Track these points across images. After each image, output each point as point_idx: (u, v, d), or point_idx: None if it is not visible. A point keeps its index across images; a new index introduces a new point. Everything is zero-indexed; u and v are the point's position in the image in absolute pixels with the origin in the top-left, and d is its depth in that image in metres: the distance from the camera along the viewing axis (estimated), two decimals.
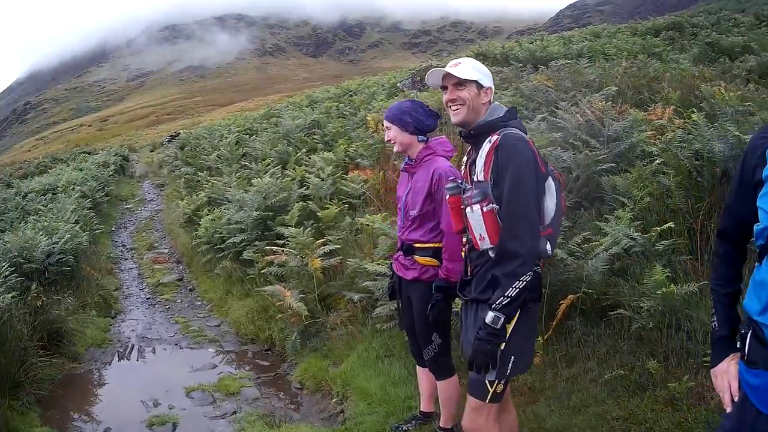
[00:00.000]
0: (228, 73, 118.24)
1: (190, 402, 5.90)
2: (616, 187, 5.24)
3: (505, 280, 2.77)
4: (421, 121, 3.82)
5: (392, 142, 3.91)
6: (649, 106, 7.12)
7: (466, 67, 3.02)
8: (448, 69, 3.00)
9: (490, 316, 2.77)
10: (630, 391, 3.85)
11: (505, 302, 2.75)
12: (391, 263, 4.19)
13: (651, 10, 50.57)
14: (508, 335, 2.82)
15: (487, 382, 2.86)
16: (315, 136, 12.27)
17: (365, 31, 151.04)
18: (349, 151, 9.71)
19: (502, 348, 2.83)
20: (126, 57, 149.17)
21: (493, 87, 3.10)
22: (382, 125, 8.45)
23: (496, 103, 3.09)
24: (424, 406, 4.37)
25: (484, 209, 2.87)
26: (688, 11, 25.36)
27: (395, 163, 7.47)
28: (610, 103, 6.81)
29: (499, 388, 2.90)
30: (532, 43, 18.65)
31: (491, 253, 2.92)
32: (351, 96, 17.14)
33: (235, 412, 5.59)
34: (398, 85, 14.96)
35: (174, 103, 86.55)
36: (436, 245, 3.75)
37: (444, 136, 4.09)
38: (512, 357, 2.87)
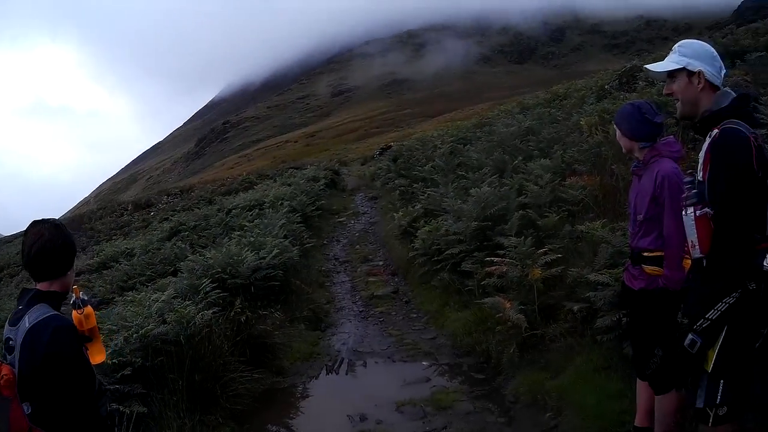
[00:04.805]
0: (434, 84, 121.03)
1: (399, 417, 6.00)
2: None
3: (710, 299, 2.69)
4: (637, 129, 3.91)
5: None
6: None
7: (671, 56, 3.03)
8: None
9: (688, 338, 2.73)
10: None
11: (705, 325, 2.69)
12: (622, 272, 4.30)
13: None
14: (712, 362, 2.74)
15: (706, 408, 2.80)
16: (530, 143, 12.63)
17: (566, 35, 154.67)
18: (565, 157, 9.82)
19: (709, 371, 2.75)
20: (327, 73, 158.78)
21: (708, 69, 2.96)
22: (596, 129, 8.27)
23: (726, 89, 2.96)
24: (639, 421, 4.34)
25: (697, 213, 2.83)
26: None
27: (612, 167, 7.61)
28: None
29: (722, 412, 2.77)
30: (723, 37, 18.31)
31: (705, 264, 2.83)
32: (561, 100, 17.59)
33: (445, 428, 5.63)
34: (606, 87, 15.16)
35: (382, 116, 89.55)
36: (663, 253, 3.78)
37: (672, 136, 4.16)
38: (721, 381, 2.75)
